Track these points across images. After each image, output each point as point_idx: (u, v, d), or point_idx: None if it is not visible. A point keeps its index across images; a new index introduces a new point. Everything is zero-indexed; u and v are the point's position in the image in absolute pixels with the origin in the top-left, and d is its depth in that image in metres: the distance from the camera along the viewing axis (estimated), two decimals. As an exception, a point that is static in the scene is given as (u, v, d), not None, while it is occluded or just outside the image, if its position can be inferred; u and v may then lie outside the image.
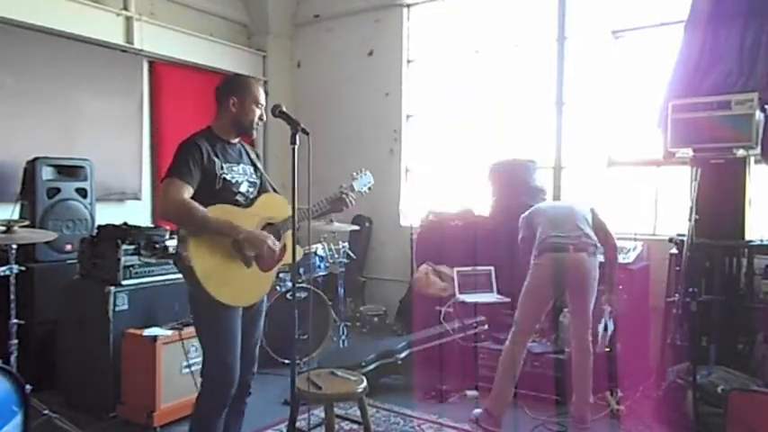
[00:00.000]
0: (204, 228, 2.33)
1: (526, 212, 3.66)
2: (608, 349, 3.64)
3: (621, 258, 4.02)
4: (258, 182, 2.63)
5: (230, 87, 2.60)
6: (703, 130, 3.62)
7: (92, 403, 3.43)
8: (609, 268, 3.44)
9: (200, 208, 2.32)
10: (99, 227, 3.76)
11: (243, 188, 2.53)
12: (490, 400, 3.37)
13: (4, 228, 2.99)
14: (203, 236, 2.34)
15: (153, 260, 3.56)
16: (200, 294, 2.34)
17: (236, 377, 2.47)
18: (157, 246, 3.58)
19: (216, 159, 2.45)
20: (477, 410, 3.48)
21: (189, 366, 3.36)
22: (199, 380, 2.53)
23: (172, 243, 3.66)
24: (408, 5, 5.95)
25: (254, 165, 2.64)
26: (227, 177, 2.47)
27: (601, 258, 3.41)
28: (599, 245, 3.38)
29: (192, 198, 2.34)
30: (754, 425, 2.69)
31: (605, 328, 3.46)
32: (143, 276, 3.52)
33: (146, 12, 5.35)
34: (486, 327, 4.21)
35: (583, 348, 3.38)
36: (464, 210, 5.16)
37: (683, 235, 3.68)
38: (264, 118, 2.65)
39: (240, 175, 2.54)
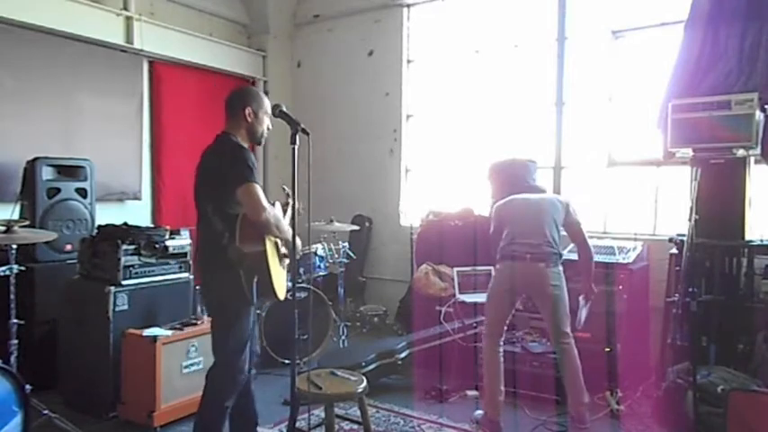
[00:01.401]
0: (280, 230, 2.56)
1: (499, 203, 3.66)
2: (608, 349, 3.64)
3: (622, 258, 4.03)
4: None
5: (244, 97, 2.69)
6: (703, 130, 3.61)
7: (92, 403, 3.43)
8: (583, 265, 3.50)
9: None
10: (99, 227, 3.76)
11: None
12: (486, 405, 3.39)
13: (4, 228, 2.99)
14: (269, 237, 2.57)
15: (154, 260, 3.56)
16: (240, 292, 2.52)
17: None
18: (157, 246, 3.58)
19: None
20: (479, 412, 3.48)
21: (190, 366, 3.37)
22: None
23: (172, 243, 3.67)
24: (408, 5, 5.95)
25: None
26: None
27: (574, 256, 3.52)
28: (561, 253, 3.42)
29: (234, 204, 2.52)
30: (754, 425, 2.69)
31: (579, 322, 3.53)
32: (143, 276, 3.52)
33: (146, 12, 5.35)
34: (486, 327, 4.21)
35: (562, 350, 3.40)
36: (464, 210, 5.16)
37: (683, 235, 3.67)
38: (271, 128, 2.79)
39: None
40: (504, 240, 3.46)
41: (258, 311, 4.37)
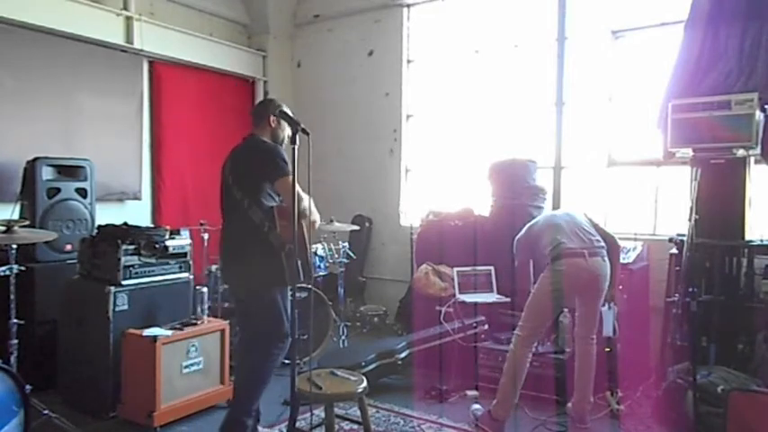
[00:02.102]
0: (311, 217, 2.82)
1: (522, 233, 3.58)
2: (608, 349, 3.64)
3: (621, 258, 4.03)
4: None
5: (269, 107, 3.04)
6: (703, 130, 3.62)
7: (92, 403, 3.43)
8: (613, 268, 3.43)
9: None
10: (99, 227, 3.76)
11: None
12: (495, 406, 3.33)
13: (4, 228, 2.99)
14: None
15: (153, 260, 3.56)
16: (281, 276, 2.77)
17: None
18: (157, 246, 3.58)
19: None
20: (477, 406, 3.47)
21: (190, 366, 3.37)
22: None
23: (172, 243, 3.67)
24: (408, 5, 5.94)
25: None
26: None
27: None
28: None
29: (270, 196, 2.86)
30: (754, 425, 2.69)
31: (614, 332, 3.47)
32: (143, 276, 3.51)
33: (146, 12, 5.35)
34: (486, 327, 4.21)
35: (587, 351, 3.39)
36: (464, 210, 5.16)
37: (683, 235, 3.68)
38: (290, 134, 2.95)
39: None
40: (552, 243, 3.33)
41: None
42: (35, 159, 3.87)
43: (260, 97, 6.46)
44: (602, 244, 3.36)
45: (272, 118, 2.99)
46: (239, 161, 2.94)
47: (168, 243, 3.64)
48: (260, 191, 2.84)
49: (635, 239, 4.26)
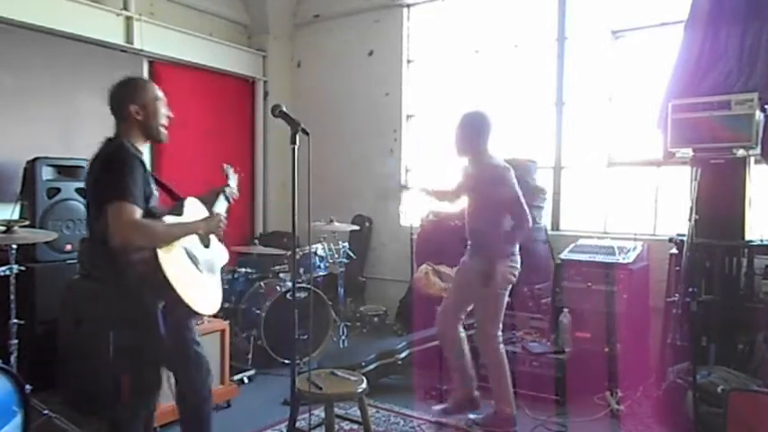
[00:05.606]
0: (171, 236, 2.25)
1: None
2: (608, 349, 3.64)
3: (621, 258, 4.02)
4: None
5: (125, 95, 2.36)
6: (703, 130, 3.61)
7: (92, 403, 3.42)
8: None
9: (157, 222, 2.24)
10: (99, 227, 3.74)
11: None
12: (507, 403, 3.35)
13: (4, 228, 2.99)
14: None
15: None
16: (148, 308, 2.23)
17: None
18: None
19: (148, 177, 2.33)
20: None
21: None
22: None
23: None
24: (408, 5, 5.94)
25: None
26: (155, 194, 2.39)
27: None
28: None
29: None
30: (754, 425, 2.69)
31: None
32: (143, 276, 3.51)
33: (146, 12, 5.35)
34: (486, 327, 4.20)
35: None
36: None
37: (683, 235, 3.67)
38: (172, 115, 2.53)
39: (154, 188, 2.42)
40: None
41: (258, 311, 4.39)
42: (35, 159, 3.87)
43: (260, 97, 6.47)
44: None
45: (132, 108, 2.32)
46: (89, 176, 2.32)
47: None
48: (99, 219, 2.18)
49: (635, 239, 4.26)
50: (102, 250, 2.19)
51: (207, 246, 2.54)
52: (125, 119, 2.35)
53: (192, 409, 2.51)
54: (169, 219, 2.32)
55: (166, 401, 3.26)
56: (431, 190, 3.74)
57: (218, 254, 2.65)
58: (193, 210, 2.51)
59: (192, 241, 2.41)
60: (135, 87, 2.39)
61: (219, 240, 2.66)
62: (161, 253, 2.14)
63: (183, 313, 2.27)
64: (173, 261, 2.20)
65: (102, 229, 2.14)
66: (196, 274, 2.37)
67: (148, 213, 2.24)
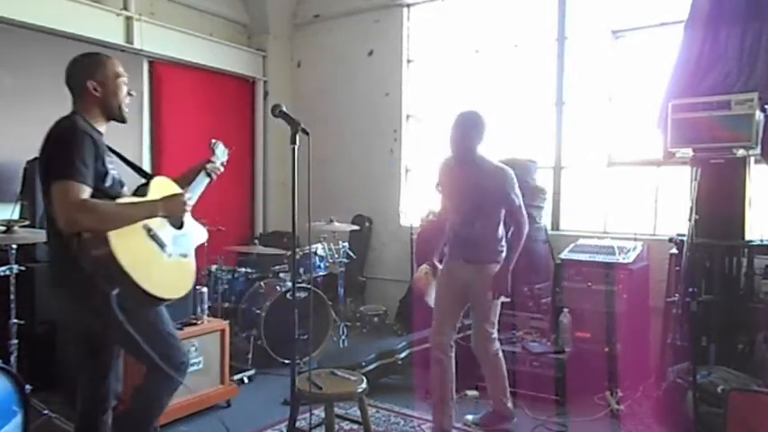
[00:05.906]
0: (123, 218, 2.07)
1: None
2: (608, 349, 3.64)
3: (621, 258, 4.02)
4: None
5: (83, 70, 2.27)
6: (703, 130, 3.61)
7: (92, 403, 3.42)
8: None
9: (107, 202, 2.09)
10: (99, 227, 3.73)
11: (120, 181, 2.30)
12: (502, 402, 3.35)
13: (4, 228, 2.99)
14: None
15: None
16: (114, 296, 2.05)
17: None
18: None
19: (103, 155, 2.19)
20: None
21: (190, 365, 3.36)
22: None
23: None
24: (408, 5, 5.94)
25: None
26: (115, 174, 2.24)
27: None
28: None
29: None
30: (754, 425, 2.69)
31: None
32: (143, 276, 3.50)
33: (146, 12, 5.35)
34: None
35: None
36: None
37: (683, 235, 3.67)
38: (134, 93, 2.44)
39: (116, 168, 2.30)
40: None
41: (258, 311, 4.39)
42: (35, 159, 3.83)
43: (260, 97, 6.48)
44: None
45: (90, 84, 2.23)
46: (40, 156, 2.19)
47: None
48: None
49: (635, 239, 4.26)
50: (53, 233, 2.11)
51: (179, 227, 2.34)
52: (82, 95, 2.26)
53: (140, 407, 2.44)
54: (124, 200, 2.18)
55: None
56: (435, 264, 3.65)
57: (193, 234, 2.46)
58: (162, 190, 2.33)
59: (157, 223, 2.22)
60: (94, 63, 2.28)
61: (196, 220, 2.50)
62: (113, 237, 1.98)
63: (144, 300, 2.10)
64: (129, 245, 2.03)
65: (51, 213, 2.04)
66: (160, 258, 2.21)
67: (104, 195, 2.11)
